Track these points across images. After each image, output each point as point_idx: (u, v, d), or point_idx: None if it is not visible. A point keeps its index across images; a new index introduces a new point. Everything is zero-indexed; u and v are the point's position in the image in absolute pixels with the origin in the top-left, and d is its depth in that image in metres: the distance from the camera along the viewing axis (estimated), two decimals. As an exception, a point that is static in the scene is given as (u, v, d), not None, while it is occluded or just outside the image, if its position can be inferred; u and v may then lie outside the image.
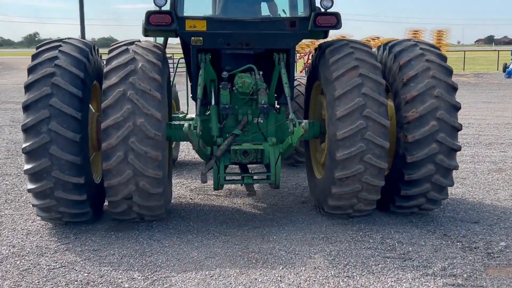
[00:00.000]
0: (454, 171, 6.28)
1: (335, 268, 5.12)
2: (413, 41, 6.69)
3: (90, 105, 6.64)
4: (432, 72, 6.16)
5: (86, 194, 5.96)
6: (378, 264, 5.20)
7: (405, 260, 5.30)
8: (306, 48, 38.97)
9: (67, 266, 5.23)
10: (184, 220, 6.61)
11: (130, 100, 5.68)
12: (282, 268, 5.13)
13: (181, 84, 14.71)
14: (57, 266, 5.23)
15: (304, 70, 33.89)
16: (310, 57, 35.17)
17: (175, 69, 9.37)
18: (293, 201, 7.49)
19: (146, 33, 7.02)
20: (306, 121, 5.63)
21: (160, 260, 5.35)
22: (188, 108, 9.37)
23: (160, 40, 8.32)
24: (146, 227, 6.33)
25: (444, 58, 6.41)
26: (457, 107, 6.14)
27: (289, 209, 7.08)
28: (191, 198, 7.64)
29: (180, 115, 8.43)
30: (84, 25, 39.71)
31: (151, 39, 7.89)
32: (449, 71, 6.28)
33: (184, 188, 8.23)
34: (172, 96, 9.75)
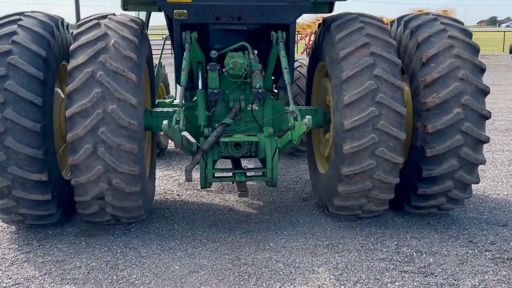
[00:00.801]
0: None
1: (343, 286, 4.26)
2: (433, 14, 5.75)
3: (58, 90, 5.76)
4: (456, 51, 5.24)
5: (51, 192, 5.09)
6: (395, 281, 4.33)
7: (426, 276, 4.43)
8: (307, 28, 37.90)
9: (22, 284, 4.38)
10: (167, 222, 5.74)
11: (99, 83, 4.80)
12: (280, 287, 4.27)
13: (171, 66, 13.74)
14: (10, 284, 4.37)
15: (305, 52, 32.82)
16: (311, 38, 34.03)
17: (162, 48, 8.43)
18: (293, 198, 6.61)
19: (125, 6, 6.11)
20: (309, 116, 4.71)
21: (134, 276, 4.49)
22: (177, 91, 8.47)
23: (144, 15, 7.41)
24: (122, 230, 5.46)
25: (469, 34, 5.49)
26: (485, 92, 5.23)
27: (288, 207, 6.21)
28: (178, 194, 6.77)
29: (167, 100, 7.51)
30: (79, 4, 38.66)
31: (132, 14, 6.98)
32: (475, 49, 5.36)
33: (172, 182, 7.36)
34: (161, 78, 8.89)
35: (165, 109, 5.94)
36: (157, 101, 7.50)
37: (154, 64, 8.34)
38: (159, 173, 7.76)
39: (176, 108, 5.29)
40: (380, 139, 4.98)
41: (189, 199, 6.55)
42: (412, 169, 5.43)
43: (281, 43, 5.60)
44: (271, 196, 6.66)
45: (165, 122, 4.53)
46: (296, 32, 36.89)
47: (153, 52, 6.35)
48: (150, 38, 6.11)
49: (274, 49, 5.72)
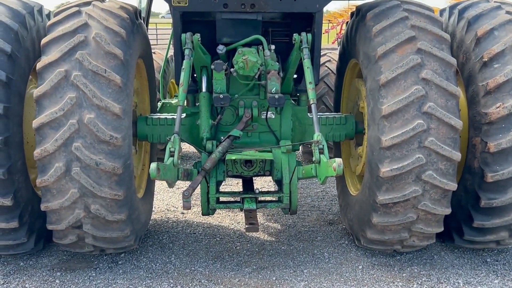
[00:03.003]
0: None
1: None
2: (495, 1, 4.60)
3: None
4: (527, 48, 4.11)
5: (18, 219, 4.18)
6: None
7: None
8: (339, 17, 36.46)
9: None
10: (164, 252, 4.76)
11: (75, 86, 3.84)
12: None
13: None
14: None
15: (336, 41, 31.40)
16: (343, 28, 32.60)
17: (169, 40, 7.42)
18: (317, 219, 5.56)
19: None
20: (340, 160, 3.63)
21: (109, 336, 3.53)
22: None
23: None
24: (108, 263, 4.51)
25: (543, 27, 4.33)
26: None
27: (311, 234, 5.16)
28: (182, 212, 5.79)
29: (174, 101, 6.51)
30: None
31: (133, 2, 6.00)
32: (551, 47, 4.21)
33: (178, 195, 6.38)
34: (171, 74, 7.92)
35: (164, 116, 4.95)
36: (162, 101, 6.53)
37: (162, 58, 7.38)
38: (164, 182, 6.77)
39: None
40: (428, 160, 3.91)
41: (194, 219, 5.56)
42: (467, 195, 4.33)
43: (306, 49, 4.41)
44: (291, 217, 5.62)
45: (153, 166, 3.56)
46: (328, 21, 35.59)
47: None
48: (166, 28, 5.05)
49: (297, 49, 4.58)
